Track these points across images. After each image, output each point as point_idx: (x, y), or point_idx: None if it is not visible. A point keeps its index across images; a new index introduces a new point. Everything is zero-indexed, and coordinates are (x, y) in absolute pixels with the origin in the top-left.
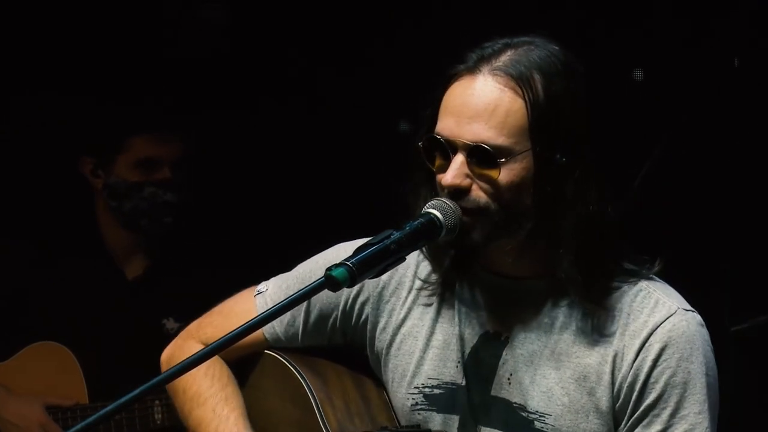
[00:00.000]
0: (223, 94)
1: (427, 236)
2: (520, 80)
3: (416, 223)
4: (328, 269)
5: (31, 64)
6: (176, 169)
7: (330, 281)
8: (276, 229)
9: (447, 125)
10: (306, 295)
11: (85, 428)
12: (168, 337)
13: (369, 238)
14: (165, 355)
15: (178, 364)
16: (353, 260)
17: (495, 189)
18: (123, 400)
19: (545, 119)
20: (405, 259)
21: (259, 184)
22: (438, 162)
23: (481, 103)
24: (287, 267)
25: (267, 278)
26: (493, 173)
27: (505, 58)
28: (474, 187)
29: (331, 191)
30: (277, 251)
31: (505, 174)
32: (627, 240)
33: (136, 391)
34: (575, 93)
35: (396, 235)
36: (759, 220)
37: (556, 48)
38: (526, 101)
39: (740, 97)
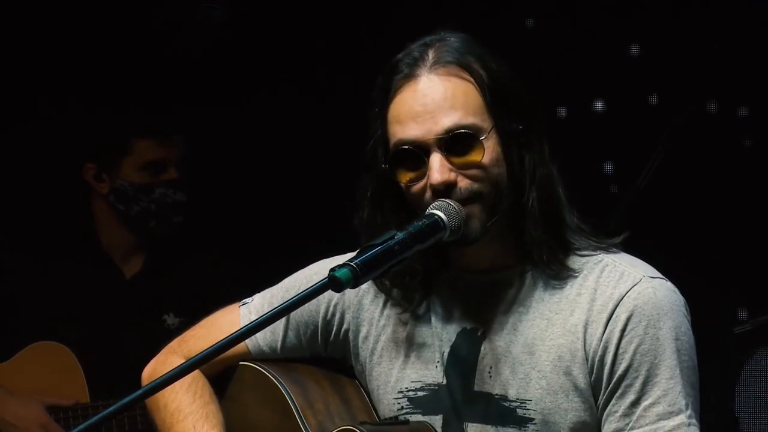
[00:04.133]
0: (222, 92)
1: (430, 237)
2: (460, 66)
3: (420, 224)
4: (332, 270)
5: (32, 72)
6: (182, 167)
7: (333, 281)
8: (276, 222)
9: (410, 131)
10: (306, 297)
11: (85, 429)
12: (169, 333)
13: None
14: (147, 371)
15: (160, 376)
16: (357, 261)
17: (482, 170)
18: (110, 410)
19: (496, 94)
20: (408, 261)
21: (259, 180)
22: (408, 175)
23: (437, 97)
24: (286, 263)
25: (260, 274)
26: (476, 155)
27: (434, 54)
28: (459, 178)
29: (332, 188)
30: (277, 243)
31: (487, 152)
32: (585, 216)
33: (121, 402)
34: (504, 66)
35: (400, 236)
36: (762, 221)
37: (465, 35)
38: (474, 82)
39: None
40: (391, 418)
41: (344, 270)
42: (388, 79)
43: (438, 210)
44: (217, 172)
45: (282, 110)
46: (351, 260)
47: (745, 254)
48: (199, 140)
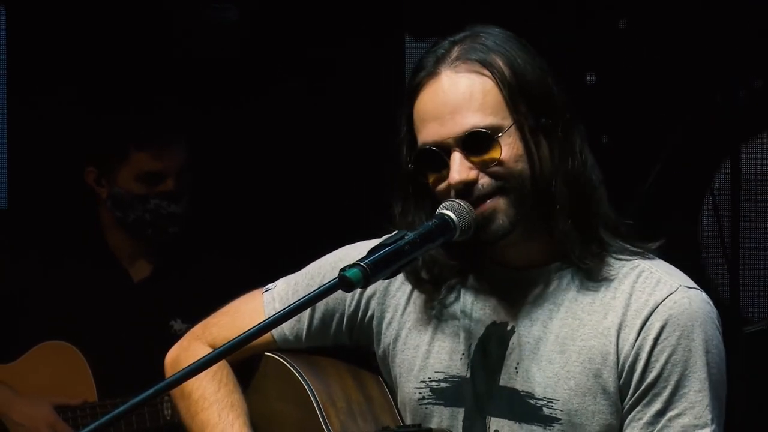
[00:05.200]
0: (229, 93)
1: (440, 237)
2: (481, 63)
3: (430, 224)
4: (342, 270)
5: (39, 72)
6: (179, 179)
7: (344, 282)
8: (283, 228)
9: (431, 131)
10: (319, 296)
11: (96, 429)
12: (175, 338)
13: (382, 239)
14: (169, 357)
15: (186, 367)
16: (367, 261)
17: (503, 167)
18: (134, 401)
19: (518, 90)
20: (419, 260)
21: (266, 185)
22: (433, 175)
23: (456, 96)
24: (295, 265)
25: (274, 278)
26: (495, 153)
27: (457, 50)
28: (481, 175)
29: (339, 192)
30: (285, 249)
31: (506, 150)
32: (624, 219)
33: (146, 393)
34: (534, 61)
35: (410, 235)
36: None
37: (498, 29)
38: (494, 79)
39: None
40: (413, 425)
41: (354, 270)
42: (414, 76)
43: (448, 210)
44: (224, 176)
45: (285, 113)
46: (361, 260)
47: (756, 253)
48: (201, 143)
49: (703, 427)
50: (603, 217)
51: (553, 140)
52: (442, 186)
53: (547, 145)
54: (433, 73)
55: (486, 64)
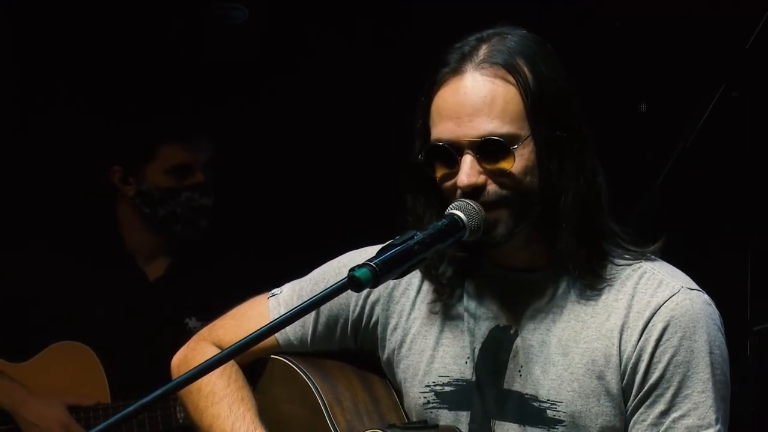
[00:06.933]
0: (245, 92)
1: (450, 237)
2: (507, 68)
3: (440, 224)
4: (351, 270)
5: (60, 75)
6: (208, 171)
7: (353, 281)
8: (298, 227)
9: (447, 129)
10: (328, 296)
11: (106, 428)
12: (190, 336)
13: (390, 240)
14: (177, 359)
15: (194, 367)
16: (377, 261)
17: (511, 178)
18: (144, 400)
19: (539, 100)
20: (428, 260)
21: (282, 183)
22: (442, 171)
23: (477, 99)
24: (309, 264)
25: (287, 275)
26: (507, 163)
27: (485, 51)
28: (489, 181)
29: (355, 191)
30: (299, 247)
31: (518, 161)
32: (624, 222)
33: (155, 393)
34: (557, 70)
35: (419, 236)
36: None
37: (525, 31)
38: (518, 87)
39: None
40: (419, 421)
41: (364, 270)
42: (437, 69)
43: (458, 210)
44: (242, 176)
45: (291, 113)
46: (371, 260)
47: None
48: (225, 142)
49: (708, 427)
50: (607, 232)
51: (567, 154)
52: (449, 183)
53: (559, 159)
54: (457, 70)
55: (511, 70)
